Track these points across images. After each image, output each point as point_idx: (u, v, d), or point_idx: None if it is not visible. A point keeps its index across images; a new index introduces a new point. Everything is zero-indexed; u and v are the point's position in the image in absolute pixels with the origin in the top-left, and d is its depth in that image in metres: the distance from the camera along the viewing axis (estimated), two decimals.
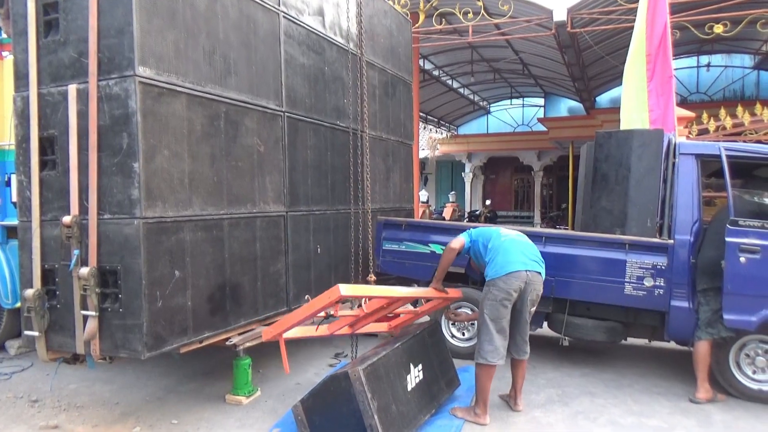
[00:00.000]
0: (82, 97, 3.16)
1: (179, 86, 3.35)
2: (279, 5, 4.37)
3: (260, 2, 4.13)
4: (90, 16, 3.10)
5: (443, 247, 5.29)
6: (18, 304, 4.65)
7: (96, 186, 3.13)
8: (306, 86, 4.75)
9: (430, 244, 5.41)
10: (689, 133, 7.74)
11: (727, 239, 4.10)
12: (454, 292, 4.52)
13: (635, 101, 6.31)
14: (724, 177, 4.26)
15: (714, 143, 4.60)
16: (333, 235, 5.21)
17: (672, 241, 4.53)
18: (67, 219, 3.16)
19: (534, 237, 4.81)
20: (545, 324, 5.15)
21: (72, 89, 3.18)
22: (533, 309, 4.00)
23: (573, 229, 16.68)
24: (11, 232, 4.74)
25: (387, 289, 4.14)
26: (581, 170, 5.86)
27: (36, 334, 3.27)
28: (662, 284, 4.51)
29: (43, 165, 3.32)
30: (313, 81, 4.86)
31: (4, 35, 4.62)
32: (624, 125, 6.20)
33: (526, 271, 3.86)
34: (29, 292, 3.24)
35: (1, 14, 4.56)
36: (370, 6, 5.86)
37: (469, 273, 5.17)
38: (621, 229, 4.85)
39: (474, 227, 4.91)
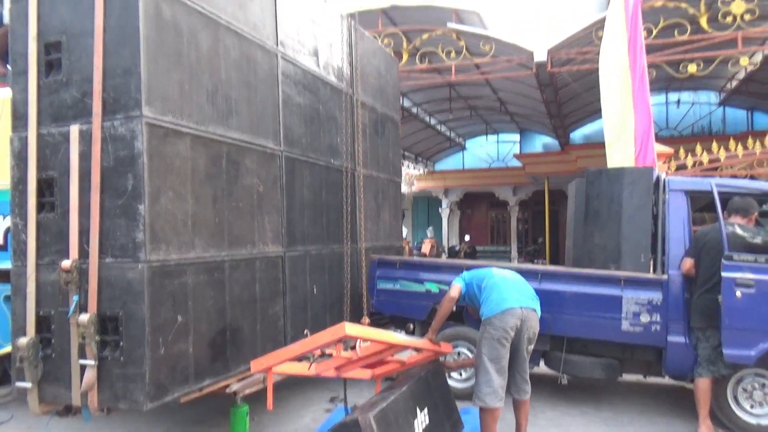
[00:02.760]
0: (85, 137, 3.08)
1: (184, 126, 3.31)
2: (277, 46, 4.39)
3: (260, 43, 4.15)
4: (95, 56, 3.05)
5: (438, 285, 5.30)
6: (2, 350, 4.43)
7: (98, 229, 3.03)
8: (302, 125, 4.75)
9: (425, 283, 5.37)
10: (668, 168, 7.96)
11: (723, 274, 4.17)
12: (446, 347, 4.48)
13: (618, 137, 6.48)
14: (717, 212, 4.37)
15: (705, 179, 4.74)
16: (328, 274, 5.14)
17: (666, 276, 4.60)
18: (66, 263, 3.04)
19: (529, 274, 4.84)
20: (542, 362, 5.12)
21: (74, 130, 3.10)
22: (531, 347, 3.98)
23: (551, 262, 16.84)
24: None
25: (387, 334, 4.08)
26: (570, 206, 5.94)
27: (28, 385, 3.09)
28: (658, 320, 4.55)
29: (40, 207, 3.20)
30: (308, 120, 4.87)
31: None
32: (610, 161, 6.34)
33: (521, 308, 3.85)
34: (22, 341, 3.08)
35: None
36: (361, 46, 5.94)
37: (467, 319, 5.15)
38: (615, 265, 4.91)
39: (470, 266, 4.91)
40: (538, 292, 4.45)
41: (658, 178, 4.95)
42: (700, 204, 5.00)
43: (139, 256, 2.98)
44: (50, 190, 3.19)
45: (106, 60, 3.05)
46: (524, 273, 4.74)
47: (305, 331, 3.37)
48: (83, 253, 3.08)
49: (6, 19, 3.33)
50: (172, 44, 3.24)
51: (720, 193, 4.47)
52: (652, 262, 4.92)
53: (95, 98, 3.05)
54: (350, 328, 3.05)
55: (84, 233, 3.08)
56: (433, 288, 5.34)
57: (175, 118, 3.23)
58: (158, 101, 3.11)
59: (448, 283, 4.68)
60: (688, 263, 4.47)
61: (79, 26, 3.11)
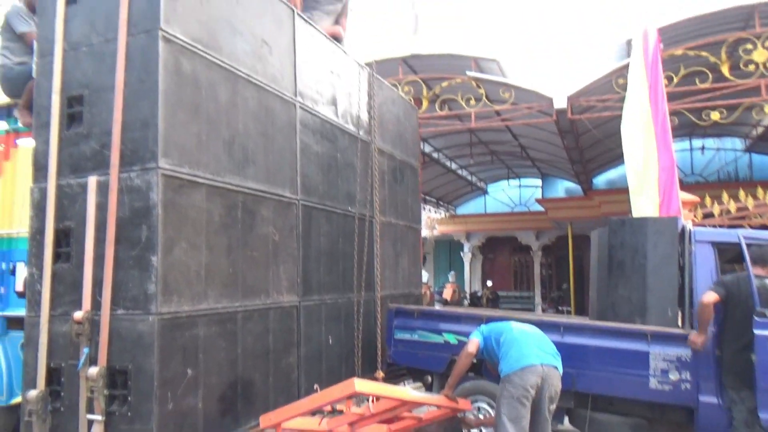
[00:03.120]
0: (102, 189, 3.11)
1: (200, 177, 3.32)
2: (296, 96, 4.45)
3: (278, 93, 4.21)
4: (115, 109, 3.11)
5: (457, 337, 5.16)
6: (13, 401, 4.39)
7: (111, 280, 3.01)
8: (319, 174, 4.76)
9: (443, 333, 5.24)
10: (694, 216, 7.78)
11: (756, 332, 3.97)
12: (464, 403, 4.32)
13: (642, 186, 6.35)
14: (746, 266, 4.20)
15: (732, 230, 4.59)
16: (344, 324, 5.05)
17: (694, 331, 4.40)
18: (78, 314, 3.02)
19: (551, 327, 4.69)
20: (566, 420, 4.89)
21: (92, 181, 3.13)
22: (553, 406, 3.81)
23: (576, 310, 16.40)
24: (12, 323, 4.55)
25: (399, 390, 3.96)
26: (593, 255, 5.80)
27: None
28: (688, 378, 4.33)
29: (56, 257, 3.21)
30: (326, 168, 4.88)
31: (20, 124, 4.65)
32: (635, 210, 6.21)
33: (541, 365, 3.70)
34: (32, 394, 3.04)
35: (18, 105, 4.62)
36: (380, 94, 6.01)
37: (486, 374, 4.98)
38: (641, 319, 4.73)
39: (489, 318, 4.78)
40: (560, 345, 4.30)
41: (683, 229, 4.81)
42: (728, 256, 4.83)
43: (150, 308, 2.95)
44: (66, 241, 3.21)
45: (126, 113, 3.10)
46: (546, 326, 4.61)
47: (315, 386, 3.28)
48: (96, 305, 3.06)
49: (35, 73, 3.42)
50: (191, 97, 3.29)
51: (748, 246, 4.31)
52: (680, 316, 4.73)
53: (113, 150, 3.09)
54: (360, 385, 2.95)
55: (97, 284, 3.07)
56: (452, 339, 5.21)
57: (191, 169, 3.25)
58: (175, 153, 3.14)
59: (468, 335, 4.57)
60: (709, 295, 4.20)
61: (101, 81, 3.19)
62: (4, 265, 4.75)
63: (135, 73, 3.12)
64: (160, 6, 3.09)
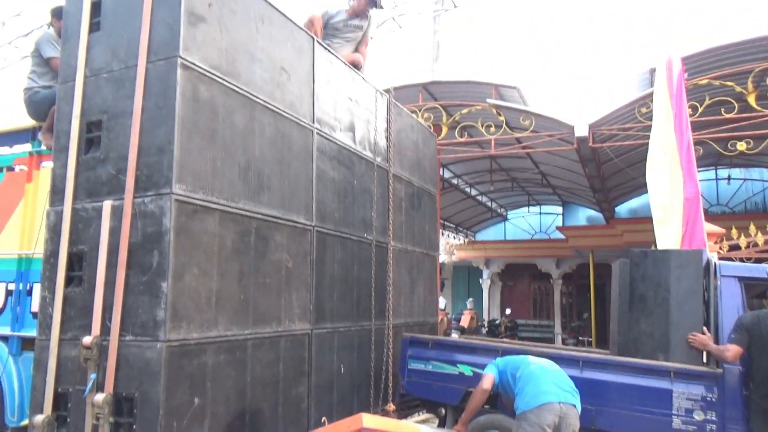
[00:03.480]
0: (116, 213, 3.12)
1: (213, 203, 3.32)
2: (313, 123, 4.46)
3: (296, 120, 4.22)
4: (132, 134, 3.14)
5: (473, 368, 5.03)
6: (24, 422, 4.38)
7: (121, 305, 3.00)
8: (335, 200, 4.74)
9: (458, 365, 5.11)
10: (720, 248, 7.56)
11: None
12: None
13: (667, 216, 6.20)
14: None
15: (760, 266, 4.43)
16: (357, 353, 4.96)
17: (721, 370, 4.23)
18: (87, 339, 3.01)
19: (570, 361, 4.55)
20: None
21: (107, 205, 3.15)
22: None
23: (597, 341, 15.98)
24: (26, 343, 4.56)
25: (410, 426, 3.84)
26: (614, 288, 5.63)
27: None
28: (714, 418, 4.14)
29: (68, 281, 3.22)
30: (342, 195, 4.86)
31: (44, 147, 4.73)
32: (660, 241, 6.05)
33: (559, 403, 3.57)
34: (38, 419, 3.02)
35: (42, 128, 4.72)
36: (398, 121, 6.01)
37: (501, 408, 4.84)
38: (664, 355, 4.55)
39: (505, 350, 4.66)
40: (580, 381, 4.16)
41: (708, 262, 4.66)
42: (755, 291, 4.66)
43: (159, 335, 2.92)
44: (79, 264, 3.22)
45: (143, 138, 3.12)
46: (564, 360, 4.48)
47: (323, 419, 3.20)
48: (105, 330, 3.04)
49: None
50: (208, 123, 3.31)
51: None
52: (705, 354, 4.55)
53: (129, 175, 3.11)
54: (368, 420, 2.87)
55: (108, 309, 3.05)
56: (467, 371, 5.08)
57: (205, 195, 3.25)
58: (189, 178, 3.14)
59: (483, 366, 4.45)
60: (735, 351, 4.09)
61: (119, 106, 3.23)
62: (21, 285, 4.78)
63: (153, 100, 3.15)
64: (180, 34, 3.13)
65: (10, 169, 5.37)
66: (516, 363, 3.92)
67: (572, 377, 4.12)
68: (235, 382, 3.43)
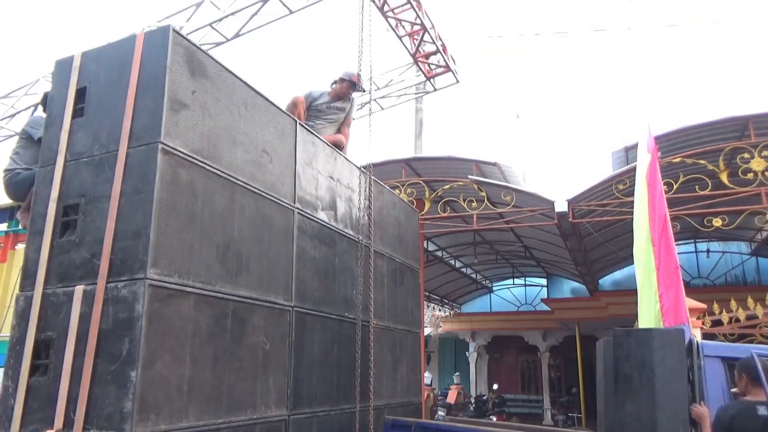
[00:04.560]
0: (88, 298, 3.05)
1: (189, 286, 3.26)
2: (294, 202, 4.49)
3: (277, 200, 4.24)
4: (109, 218, 3.12)
5: None
6: None
7: (87, 396, 2.87)
8: (316, 279, 4.70)
9: None
10: (703, 324, 7.56)
11: None
12: None
13: (647, 292, 6.23)
14: (762, 384, 3.98)
15: (744, 346, 4.41)
16: None
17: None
18: None
19: None
20: None
21: (78, 290, 3.08)
22: None
23: (587, 416, 15.55)
24: None
25: None
26: (599, 367, 5.55)
27: None
28: None
29: (33, 370, 3.09)
30: (323, 273, 4.83)
31: (20, 226, 4.68)
32: (641, 319, 6.04)
33: None
34: None
35: (21, 207, 4.69)
36: (380, 199, 6.08)
37: None
38: None
39: (488, 431, 4.51)
40: None
41: (691, 341, 4.63)
42: None
43: (124, 428, 2.78)
44: (46, 352, 3.10)
45: (119, 222, 3.11)
46: None
47: None
48: (68, 423, 2.89)
49: None
50: (186, 206, 3.31)
51: (764, 364, 4.10)
52: None
53: (103, 260, 3.06)
54: None
55: (72, 400, 2.92)
56: None
57: (180, 278, 3.20)
58: (164, 262, 3.10)
59: None
60: None
61: (98, 190, 3.23)
62: None
63: (132, 183, 3.16)
64: (162, 120, 3.18)
65: None
66: None
67: None
68: None
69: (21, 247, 4.62)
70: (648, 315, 5.95)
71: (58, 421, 2.90)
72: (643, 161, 6.62)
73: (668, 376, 4.56)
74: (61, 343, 3.04)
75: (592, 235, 10.20)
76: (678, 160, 8.14)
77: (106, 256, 3.06)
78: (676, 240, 6.56)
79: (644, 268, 6.19)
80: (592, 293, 16.26)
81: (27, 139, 4.91)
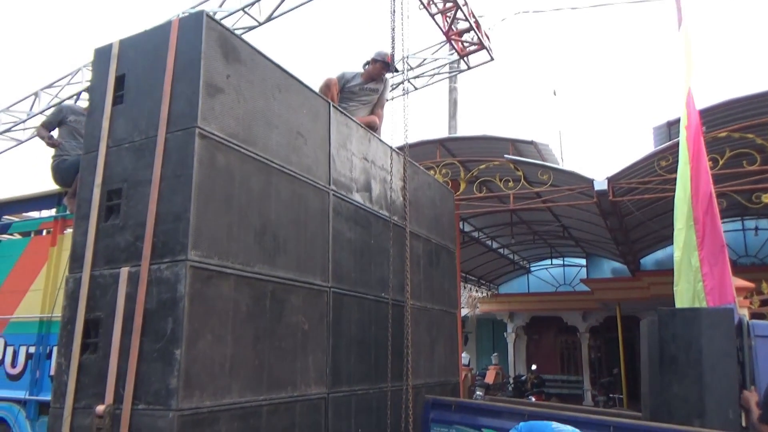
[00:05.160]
0: (133, 280, 3.15)
1: (229, 268, 3.33)
2: (329, 184, 4.51)
3: (312, 182, 4.27)
4: (150, 202, 3.20)
5: None
6: None
7: (134, 373, 2.98)
8: (352, 260, 4.73)
9: (483, 429, 4.92)
10: (750, 303, 7.30)
11: None
12: None
13: (687, 271, 6.05)
14: None
15: None
16: (376, 416, 4.81)
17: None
18: (100, 408, 2.98)
19: (600, 426, 4.34)
20: None
21: (124, 272, 3.18)
22: None
23: (629, 398, 15.32)
24: (43, 408, 4.54)
25: None
26: (643, 348, 5.43)
27: None
28: None
29: (84, 348, 3.22)
30: (358, 254, 4.85)
31: (68, 212, 4.85)
32: (678, 298, 5.89)
33: None
34: None
35: (68, 193, 4.86)
36: (415, 179, 6.04)
37: None
38: (700, 420, 4.32)
39: (531, 413, 4.49)
40: None
41: (740, 321, 4.48)
42: None
43: (171, 404, 2.87)
44: (95, 331, 3.22)
45: (160, 206, 3.18)
46: (594, 425, 4.28)
47: None
48: (118, 398, 3.01)
49: None
50: (224, 189, 3.37)
51: None
52: (743, 417, 4.31)
53: (146, 242, 3.15)
54: None
55: (121, 377, 3.03)
56: None
57: (220, 260, 3.26)
58: (205, 244, 3.17)
59: (509, 431, 4.27)
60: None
61: (139, 175, 3.31)
62: (41, 349, 4.81)
63: (171, 168, 3.22)
64: (198, 105, 3.23)
65: (38, 233, 5.52)
66: (539, 430, 3.75)
67: None
68: None
69: (69, 231, 4.79)
70: (687, 295, 5.79)
71: (109, 396, 3.02)
72: (683, 138, 6.38)
73: (717, 356, 4.44)
74: (109, 323, 3.15)
75: (633, 213, 9.93)
76: (724, 134, 7.82)
77: (149, 238, 3.15)
78: (722, 218, 6.33)
79: (684, 247, 6.01)
80: (633, 273, 15.89)
81: (69, 130, 5.08)
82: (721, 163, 7.55)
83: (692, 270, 5.90)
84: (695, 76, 6.53)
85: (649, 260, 16.58)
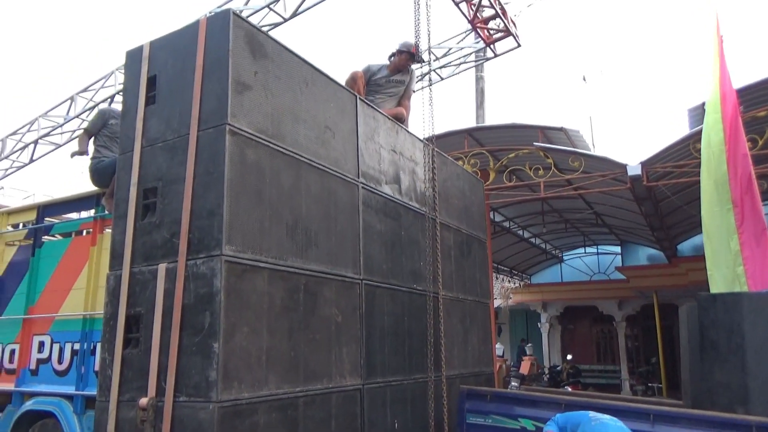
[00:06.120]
0: (171, 275, 3.23)
1: (262, 262, 3.38)
2: (358, 177, 4.52)
3: (341, 176, 4.29)
4: (185, 199, 3.27)
5: (534, 423, 4.80)
6: None
7: (175, 366, 3.06)
8: (383, 252, 4.74)
9: (519, 419, 4.90)
10: None
11: None
12: None
13: (724, 255, 5.88)
14: None
15: None
16: (411, 407, 4.84)
17: None
18: (143, 401, 3.07)
19: (640, 415, 4.28)
20: None
21: (161, 268, 3.26)
22: None
23: (668, 387, 14.98)
24: (89, 402, 4.70)
25: None
26: (683, 334, 5.34)
27: None
28: None
29: (126, 343, 3.32)
30: (389, 246, 4.86)
31: (106, 211, 4.99)
32: (713, 283, 5.73)
33: None
34: None
35: (105, 193, 4.99)
36: (444, 171, 6.02)
37: None
38: (743, 407, 4.22)
39: (568, 402, 4.45)
40: None
41: None
42: None
43: (211, 396, 2.95)
44: (137, 326, 3.32)
45: (194, 203, 3.25)
46: (633, 414, 4.22)
47: None
48: (160, 391, 3.10)
49: None
50: (255, 185, 3.42)
51: None
52: None
53: (182, 238, 3.22)
54: None
55: (162, 371, 3.12)
56: (529, 425, 4.85)
57: (253, 255, 3.32)
58: (238, 239, 3.22)
59: (545, 420, 4.24)
60: None
61: (173, 173, 3.39)
62: (85, 345, 4.97)
63: (203, 165, 3.29)
64: (227, 102, 3.28)
65: (78, 233, 5.69)
66: (576, 419, 3.72)
67: None
68: None
69: (108, 231, 4.93)
70: (724, 279, 5.64)
71: (151, 389, 3.11)
72: (717, 118, 6.17)
73: (760, 341, 4.33)
74: (149, 318, 3.24)
75: (668, 198, 9.69)
76: (763, 113, 7.55)
77: (184, 235, 3.22)
78: (762, 200, 6.14)
79: (719, 231, 5.84)
80: (670, 259, 15.51)
81: (106, 133, 5.22)
82: (760, 143, 7.31)
83: (731, 254, 5.74)
84: (727, 55, 6.32)
85: (686, 246, 16.15)
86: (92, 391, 4.69)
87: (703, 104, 8.42)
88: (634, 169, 8.40)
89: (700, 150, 6.63)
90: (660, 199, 10.00)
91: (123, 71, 5.16)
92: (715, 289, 5.64)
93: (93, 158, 5.23)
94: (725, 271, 5.75)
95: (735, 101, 6.25)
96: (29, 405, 5.01)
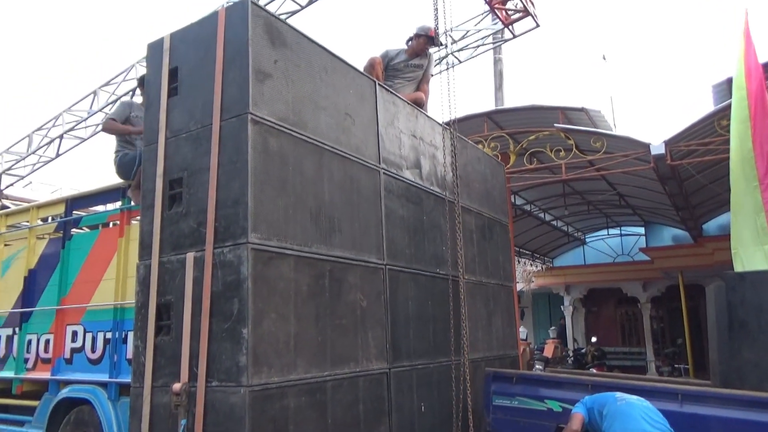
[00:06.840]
0: (198, 264, 3.29)
1: (288, 249, 3.42)
2: (380, 163, 4.53)
3: (362, 162, 4.31)
4: (210, 189, 3.32)
5: (561, 404, 4.81)
6: None
7: (206, 352, 3.13)
8: (405, 237, 4.76)
9: (546, 400, 4.91)
10: None
11: None
12: None
13: (752, 234, 5.78)
14: None
15: None
16: (437, 390, 4.88)
17: None
18: (176, 386, 3.15)
19: (668, 395, 4.26)
20: None
21: (189, 257, 3.33)
22: None
23: (695, 368, 14.83)
24: (123, 389, 4.83)
25: None
26: (710, 313, 5.28)
27: None
28: None
29: (158, 330, 3.40)
30: (412, 231, 4.88)
31: (132, 203, 5.08)
32: (737, 261, 5.64)
33: None
34: None
35: (131, 186, 5.08)
36: (464, 155, 5.99)
37: None
38: None
39: (595, 383, 4.44)
40: (679, 416, 3.89)
41: None
42: None
43: (242, 381, 3.01)
44: (167, 314, 3.40)
45: (219, 192, 3.30)
46: (661, 394, 4.21)
47: None
48: (192, 377, 3.18)
49: None
50: (278, 173, 3.45)
51: None
52: None
53: (209, 227, 3.27)
54: None
55: (194, 357, 3.19)
56: (555, 406, 4.87)
57: (279, 242, 3.36)
58: (263, 227, 3.27)
59: (572, 402, 4.25)
60: None
61: (198, 163, 3.43)
62: (117, 334, 5.09)
63: (227, 155, 3.33)
64: (249, 92, 3.31)
65: (105, 225, 5.81)
66: (602, 400, 3.72)
67: (671, 412, 3.86)
68: (317, 425, 3.45)
69: (135, 222, 5.02)
70: (753, 258, 5.54)
71: (183, 375, 3.19)
72: (745, 94, 6.02)
73: None
74: (179, 306, 3.31)
75: (693, 177, 9.52)
76: None
77: (211, 224, 3.27)
78: None
79: (745, 209, 5.75)
80: (695, 239, 15.27)
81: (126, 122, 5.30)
82: None
83: (758, 232, 5.64)
84: (753, 29, 6.16)
85: (711, 225, 15.86)
86: (125, 379, 4.82)
87: (729, 80, 8.24)
88: (657, 148, 8.26)
89: (725, 127, 6.50)
90: (684, 178, 9.83)
91: (144, 64, 5.22)
92: (739, 267, 5.55)
93: (116, 152, 5.31)
94: (752, 249, 5.66)
95: (761, 76, 6.10)
96: (65, 393, 5.15)
